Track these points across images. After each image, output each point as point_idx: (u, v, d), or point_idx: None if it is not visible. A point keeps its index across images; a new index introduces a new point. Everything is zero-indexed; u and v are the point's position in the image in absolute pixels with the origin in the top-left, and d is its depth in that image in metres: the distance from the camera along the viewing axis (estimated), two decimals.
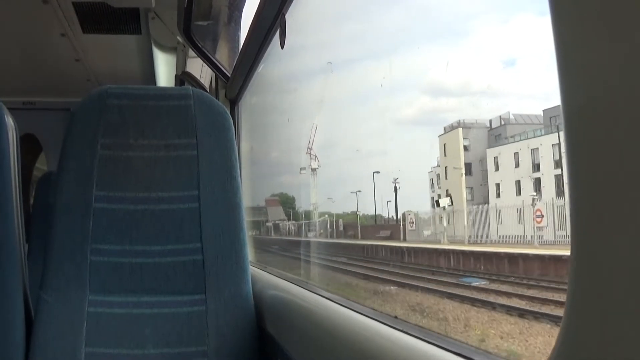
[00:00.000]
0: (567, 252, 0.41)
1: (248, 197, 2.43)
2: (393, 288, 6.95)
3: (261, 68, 2.07)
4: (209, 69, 2.39)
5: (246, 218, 1.32)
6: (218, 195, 1.26)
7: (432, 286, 6.58)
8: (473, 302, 5.65)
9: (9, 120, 1.22)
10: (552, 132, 6.50)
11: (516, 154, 7.36)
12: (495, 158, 7.81)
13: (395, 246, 8.99)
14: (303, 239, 11.44)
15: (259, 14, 1.69)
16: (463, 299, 5.82)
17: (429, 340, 0.71)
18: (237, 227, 1.27)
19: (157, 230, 1.24)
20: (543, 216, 6.30)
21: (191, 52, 2.41)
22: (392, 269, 8.11)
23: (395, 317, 0.92)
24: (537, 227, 6.35)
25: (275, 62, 2.15)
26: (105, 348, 1.19)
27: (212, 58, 2.28)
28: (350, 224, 10.94)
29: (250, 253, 1.35)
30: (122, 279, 1.22)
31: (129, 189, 1.24)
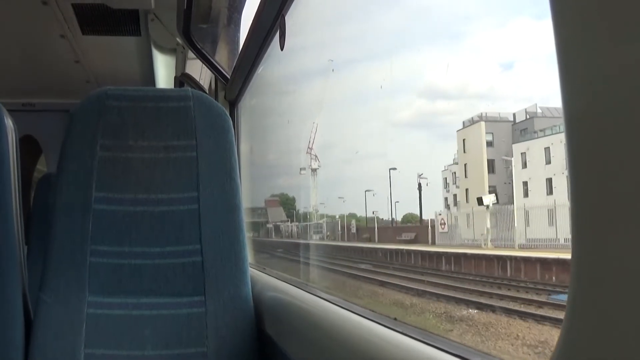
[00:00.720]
0: None
1: (247, 198, 2.43)
2: (474, 312, 5.11)
3: (261, 70, 2.07)
4: (208, 70, 2.39)
5: (245, 219, 1.32)
6: (217, 197, 1.26)
7: (527, 308, 4.91)
8: None
9: (9, 122, 1.22)
10: None
11: (547, 149, 6.68)
12: (523, 154, 7.05)
13: (426, 251, 7.77)
14: (312, 241, 10.51)
15: (259, 16, 1.69)
16: None
17: (427, 341, 0.71)
18: (237, 229, 1.27)
19: (157, 231, 1.24)
20: None
21: (190, 54, 2.41)
22: (440, 281, 6.62)
23: (395, 318, 0.92)
24: None
25: (275, 64, 2.15)
26: (104, 349, 1.18)
27: (212, 60, 2.28)
28: (364, 225, 10.02)
29: (250, 255, 1.35)
30: (121, 281, 1.22)
31: (128, 190, 1.24)
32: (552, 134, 6.73)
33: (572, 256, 0.40)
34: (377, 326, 0.83)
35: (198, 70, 2.58)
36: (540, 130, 7.03)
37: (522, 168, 7.05)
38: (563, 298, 4.63)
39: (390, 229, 9.48)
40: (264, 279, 1.49)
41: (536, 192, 6.81)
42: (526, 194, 6.79)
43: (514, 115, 7.38)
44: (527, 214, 6.47)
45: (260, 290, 1.30)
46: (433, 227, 7.98)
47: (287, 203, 11.94)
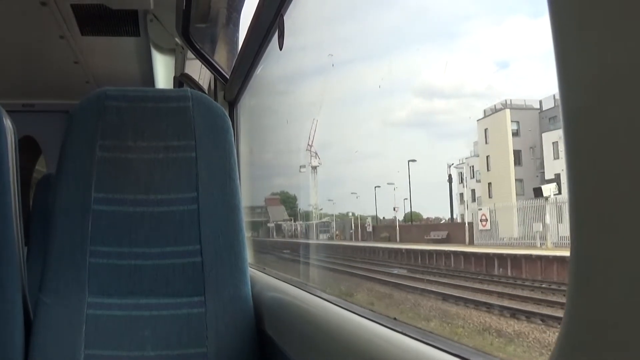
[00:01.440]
0: None
1: (247, 197, 2.43)
2: None
3: (260, 70, 2.07)
4: (207, 70, 2.39)
5: (245, 219, 1.32)
6: (217, 197, 1.26)
7: None
8: None
9: (8, 123, 1.22)
10: None
11: None
12: (555, 144, 6.22)
13: (470, 252, 6.35)
14: (323, 241, 9.51)
15: (258, 16, 1.69)
16: None
17: (427, 341, 0.71)
18: (236, 229, 1.27)
19: (156, 232, 1.24)
20: None
21: (190, 54, 2.41)
22: (517, 292, 5.27)
23: (394, 318, 0.92)
24: None
25: (274, 64, 2.15)
26: (104, 350, 1.18)
27: (211, 60, 2.28)
28: (380, 225, 8.78)
29: (249, 255, 1.35)
30: (121, 281, 1.22)
31: (128, 191, 1.24)
32: None
33: (571, 255, 0.40)
34: (377, 326, 0.83)
35: (197, 70, 2.58)
36: None
37: (554, 159, 6.32)
38: None
39: (414, 228, 8.07)
40: (264, 279, 1.49)
41: None
42: (559, 189, 5.97)
43: (540, 102, 6.66)
44: (559, 209, 5.63)
45: (260, 291, 1.30)
46: (470, 224, 6.77)
47: (287, 201, 11.38)
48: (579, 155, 0.39)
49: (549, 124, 6.51)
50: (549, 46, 0.40)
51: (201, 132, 1.27)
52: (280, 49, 1.64)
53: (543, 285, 5.28)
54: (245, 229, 1.30)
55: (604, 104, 0.37)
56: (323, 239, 9.60)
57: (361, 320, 0.88)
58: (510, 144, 6.61)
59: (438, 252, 7.13)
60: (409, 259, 7.63)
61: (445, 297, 5.47)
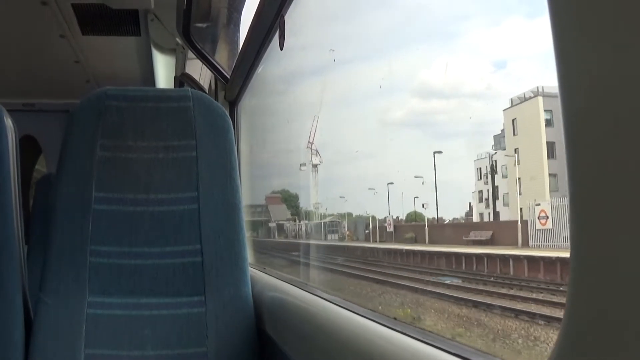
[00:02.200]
0: None
1: (247, 196, 2.43)
2: None
3: (260, 69, 2.07)
4: (208, 70, 2.39)
5: (245, 218, 1.32)
6: (217, 197, 1.26)
7: None
8: None
9: (9, 122, 1.22)
10: None
11: None
12: None
13: (537, 257, 5.08)
14: (337, 243, 8.46)
15: (258, 16, 1.69)
16: None
17: (428, 341, 0.71)
18: (237, 229, 1.27)
19: (157, 231, 1.24)
20: None
21: (190, 54, 2.41)
22: None
23: (395, 318, 0.92)
24: None
25: (274, 64, 2.15)
26: (104, 349, 1.19)
27: (212, 60, 2.28)
28: (403, 224, 7.59)
29: (250, 255, 1.35)
30: (121, 281, 1.22)
31: (128, 190, 1.24)
32: None
33: (571, 255, 0.40)
34: (377, 326, 0.83)
35: (198, 70, 2.58)
36: None
37: None
38: None
39: (448, 227, 6.91)
40: (264, 278, 1.49)
41: None
42: None
43: None
44: None
45: (260, 290, 1.30)
46: (524, 222, 5.73)
47: (289, 200, 10.66)
48: (579, 155, 0.39)
49: None
50: (548, 46, 0.40)
51: (202, 132, 1.27)
52: (281, 49, 1.64)
53: None
54: (245, 229, 1.30)
55: (604, 104, 0.37)
56: (332, 239, 8.60)
57: (361, 320, 0.88)
58: (544, 135, 5.84)
59: (491, 256, 5.87)
60: (454, 265, 6.32)
61: (547, 321, 4.30)
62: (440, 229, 7.11)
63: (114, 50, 2.85)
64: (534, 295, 4.91)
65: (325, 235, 8.69)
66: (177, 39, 2.42)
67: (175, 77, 2.62)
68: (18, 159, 1.25)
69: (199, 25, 2.22)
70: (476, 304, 4.98)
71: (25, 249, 1.28)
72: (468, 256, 6.14)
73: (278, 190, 10.24)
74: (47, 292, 1.20)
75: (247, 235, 1.33)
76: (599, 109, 0.38)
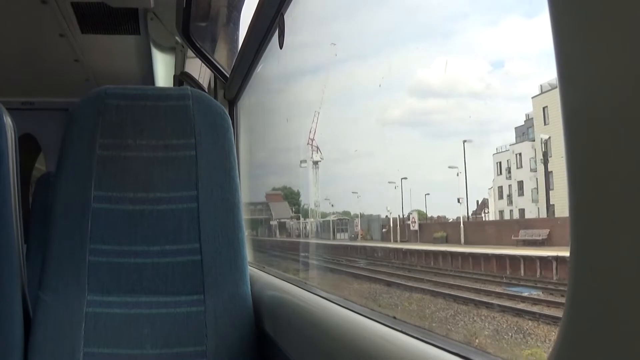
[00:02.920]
0: None
1: (247, 194, 2.43)
2: None
3: (260, 68, 2.07)
4: (207, 69, 2.39)
5: (244, 216, 1.32)
6: (217, 196, 1.26)
7: None
8: None
9: (8, 120, 1.22)
10: None
11: None
12: None
13: None
14: (354, 243, 7.50)
15: (258, 14, 1.69)
16: None
17: (427, 340, 0.71)
18: (236, 228, 1.27)
19: (156, 230, 1.24)
20: None
21: (190, 53, 2.41)
22: None
23: (394, 317, 0.92)
24: None
25: (274, 62, 2.15)
26: (103, 348, 1.19)
27: (211, 58, 2.28)
28: (429, 222, 6.59)
29: (249, 254, 1.35)
30: (120, 280, 1.22)
31: (127, 189, 1.24)
32: None
33: (571, 255, 0.40)
34: (376, 325, 0.83)
35: (197, 69, 2.58)
36: None
37: None
38: None
39: (490, 225, 5.90)
40: (264, 277, 1.49)
41: None
42: None
43: None
44: None
45: (260, 289, 1.30)
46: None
47: (290, 197, 10.00)
48: (579, 155, 0.39)
49: None
50: (547, 46, 0.40)
51: (201, 131, 1.27)
52: (281, 47, 1.64)
53: None
54: (244, 228, 1.30)
55: (604, 104, 0.37)
56: (341, 238, 7.77)
57: (361, 319, 0.88)
58: None
59: (565, 260, 4.41)
60: (517, 271, 5.05)
61: None
62: (478, 227, 6.03)
63: (113, 49, 2.85)
64: None
65: (334, 234, 7.86)
66: (177, 38, 2.42)
67: (174, 76, 2.62)
68: (17, 157, 1.25)
69: (199, 24, 2.22)
70: None
71: (24, 248, 1.28)
72: (529, 260, 4.93)
73: (279, 188, 9.65)
74: (46, 291, 1.20)
75: (248, 234, 1.33)
76: (599, 109, 0.38)
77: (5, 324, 1.16)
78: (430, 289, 5.13)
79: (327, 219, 8.11)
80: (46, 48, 2.79)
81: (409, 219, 6.70)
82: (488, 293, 4.89)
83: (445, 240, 6.18)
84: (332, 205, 7.87)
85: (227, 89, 2.27)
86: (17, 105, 3.38)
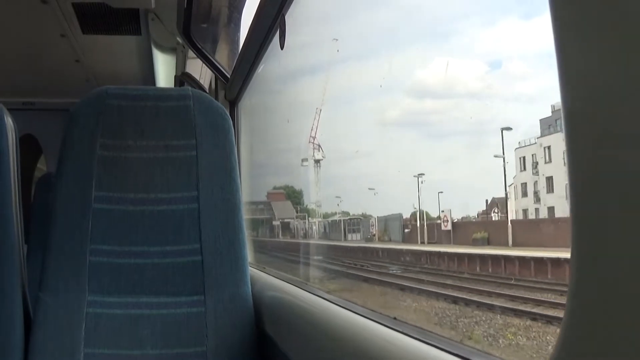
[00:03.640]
0: None
1: (248, 194, 2.43)
2: None
3: (261, 69, 2.07)
4: (208, 70, 2.39)
5: (245, 216, 1.32)
6: (217, 197, 1.26)
7: None
8: None
9: (9, 121, 1.22)
10: None
11: None
12: None
13: None
14: (371, 245, 6.65)
15: (259, 15, 1.69)
16: None
17: (428, 341, 0.71)
18: (237, 228, 1.27)
19: (157, 231, 1.24)
20: None
21: (191, 53, 2.41)
22: None
23: (394, 318, 0.92)
24: None
25: (275, 63, 2.15)
26: (104, 349, 1.19)
27: (212, 59, 2.28)
28: (464, 221, 5.78)
29: (250, 255, 1.35)
30: (121, 280, 1.22)
31: (128, 189, 1.24)
32: None
33: (572, 255, 0.40)
34: (377, 325, 0.83)
35: (198, 69, 2.58)
36: None
37: None
38: None
39: (546, 224, 4.95)
40: (264, 278, 1.49)
41: None
42: None
43: None
44: None
45: (260, 290, 1.30)
46: None
47: (292, 196, 9.46)
48: (579, 155, 0.39)
49: None
50: (546, 46, 0.40)
51: (202, 131, 1.27)
52: (282, 48, 1.64)
53: None
54: (245, 228, 1.30)
55: (604, 104, 0.37)
56: (353, 239, 7.08)
57: (361, 320, 0.87)
58: None
59: None
60: None
61: None
62: (529, 227, 5.13)
63: (114, 50, 2.85)
64: None
65: (345, 235, 7.17)
66: (178, 38, 2.42)
67: (175, 77, 2.62)
68: (18, 157, 1.25)
69: (200, 24, 2.22)
70: None
71: (25, 248, 1.28)
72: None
73: (281, 187, 9.14)
74: (46, 291, 1.20)
75: (248, 235, 1.33)
76: (599, 109, 0.38)
77: (6, 324, 1.16)
78: (523, 309, 3.80)
79: (334, 218, 7.56)
80: (47, 48, 2.79)
81: (438, 219, 5.90)
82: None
83: (487, 242, 5.30)
84: (339, 204, 7.34)
85: (228, 90, 2.27)
86: (18, 105, 3.38)
